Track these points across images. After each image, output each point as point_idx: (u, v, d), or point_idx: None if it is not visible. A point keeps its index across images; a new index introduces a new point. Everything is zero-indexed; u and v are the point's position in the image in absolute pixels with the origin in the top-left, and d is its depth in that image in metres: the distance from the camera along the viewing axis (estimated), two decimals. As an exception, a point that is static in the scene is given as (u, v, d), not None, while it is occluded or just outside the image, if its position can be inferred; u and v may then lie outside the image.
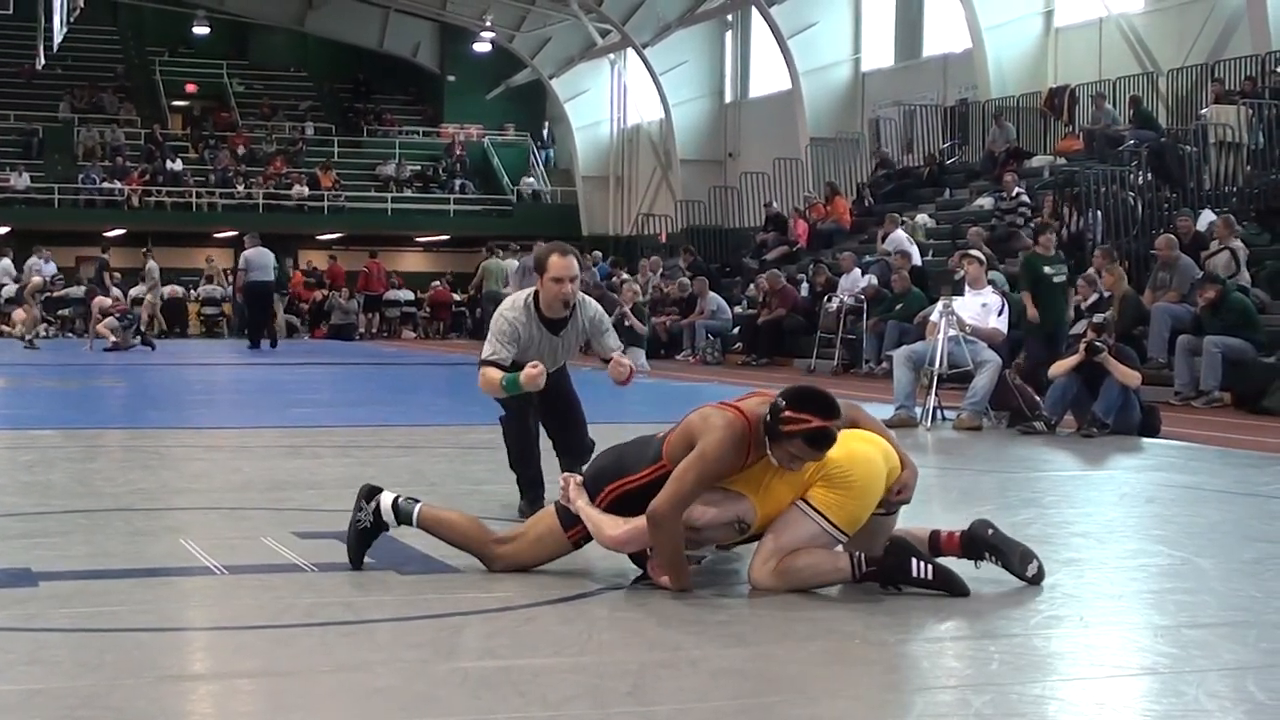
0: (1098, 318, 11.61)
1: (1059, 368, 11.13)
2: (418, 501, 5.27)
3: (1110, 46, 25.22)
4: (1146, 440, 10.56)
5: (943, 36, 28.93)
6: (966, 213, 23.07)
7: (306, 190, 38.87)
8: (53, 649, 4.05)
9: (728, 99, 36.11)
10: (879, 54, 30.94)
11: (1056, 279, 13.56)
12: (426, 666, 3.93)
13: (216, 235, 37.75)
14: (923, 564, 4.85)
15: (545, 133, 42.68)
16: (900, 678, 4.08)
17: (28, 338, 24.59)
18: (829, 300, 21.18)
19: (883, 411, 10.47)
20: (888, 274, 20.01)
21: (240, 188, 38.48)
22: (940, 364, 11.58)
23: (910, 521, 5.30)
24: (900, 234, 21.72)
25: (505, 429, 6.57)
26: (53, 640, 4.16)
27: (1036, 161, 23.78)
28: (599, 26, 36.52)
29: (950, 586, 4.81)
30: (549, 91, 40.32)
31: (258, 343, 25.33)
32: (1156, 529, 6.73)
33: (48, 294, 27.84)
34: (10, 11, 35.22)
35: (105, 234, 36.83)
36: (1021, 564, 5.03)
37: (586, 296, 6.62)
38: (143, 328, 25.90)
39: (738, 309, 24.05)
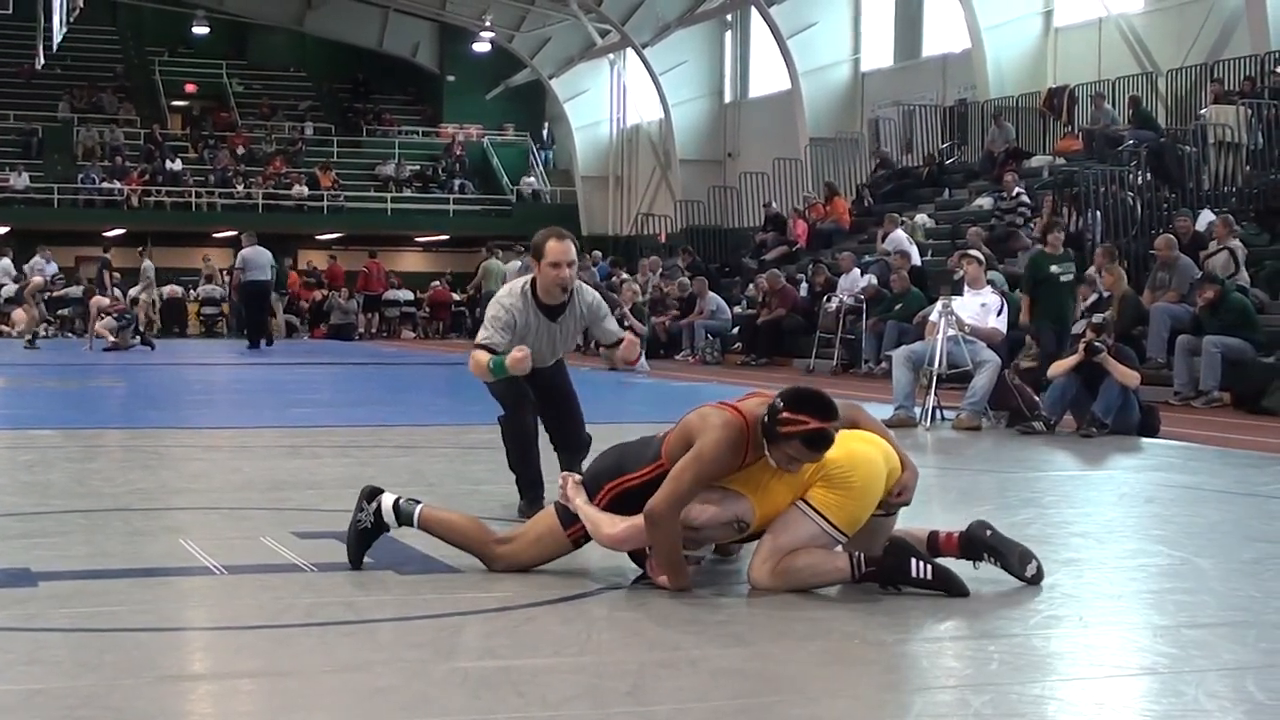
0: (1097, 318, 11.61)
1: (1058, 368, 11.13)
2: (418, 503, 5.27)
3: (1109, 46, 25.23)
4: (1146, 440, 10.56)
5: (942, 36, 28.94)
6: (966, 213, 23.08)
7: (306, 190, 38.88)
8: (52, 649, 4.05)
9: (727, 99, 36.12)
10: (878, 54, 30.95)
11: (1064, 278, 13.56)
12: (426, 666, 3.93)
13: (216, 235, 37.75)
14: (922, 564, 4.85)
15: (545, 134, 42.67)
16: (899, 678, 4.08)
17: (28, 337, 24.59)
18: (828, 300, 21.18)
19: (882, 411, 10.47)
20: (887, 274, 20.01)
21: (240, 188, 38.48)
22: (939, 364, 11.58)
23: (909, 522, 5.30)
24: (899, 234, 21.72)
25: (504, 429, 6.56)
26: (52, 640, 4.16)
27: (1036, 162, 23.78)
28: (598, 26, 36.53)
29: (949, 587, 4.81)
30: (548, 91, 40.33)
31: (257, 343, 25.34)
32: (1156, 529, 6.73)
33: (49, 294, 27.82)
34: (10, 11, 35.22)
35: (105, 234, 36.84)
36: (1020, 564, 5.03)
37: (584, 284, 6.60)
38: (141, 328, 25.89)
39: (737, 309, 24.05)
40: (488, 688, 3.72)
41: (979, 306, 12.16)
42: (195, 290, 33.63)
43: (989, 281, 13.35)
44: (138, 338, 24.63)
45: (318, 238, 39.92)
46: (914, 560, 4.85)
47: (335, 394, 15.56)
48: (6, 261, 30.62)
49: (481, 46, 39.24)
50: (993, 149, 24.72)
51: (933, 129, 27.85)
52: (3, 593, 4.74)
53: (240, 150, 40.35)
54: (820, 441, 4.73)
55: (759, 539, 4.95)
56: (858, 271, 21.21)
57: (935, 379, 11.66)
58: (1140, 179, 19.58)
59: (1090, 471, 9.15)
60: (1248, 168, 19.39)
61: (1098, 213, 18.95)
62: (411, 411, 13.14)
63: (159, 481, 7.84)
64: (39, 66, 38.48)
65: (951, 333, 11.61)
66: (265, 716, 3.59)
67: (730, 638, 4.35)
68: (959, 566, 4.97)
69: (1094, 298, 15.27)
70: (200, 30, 41.73)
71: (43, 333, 25.53)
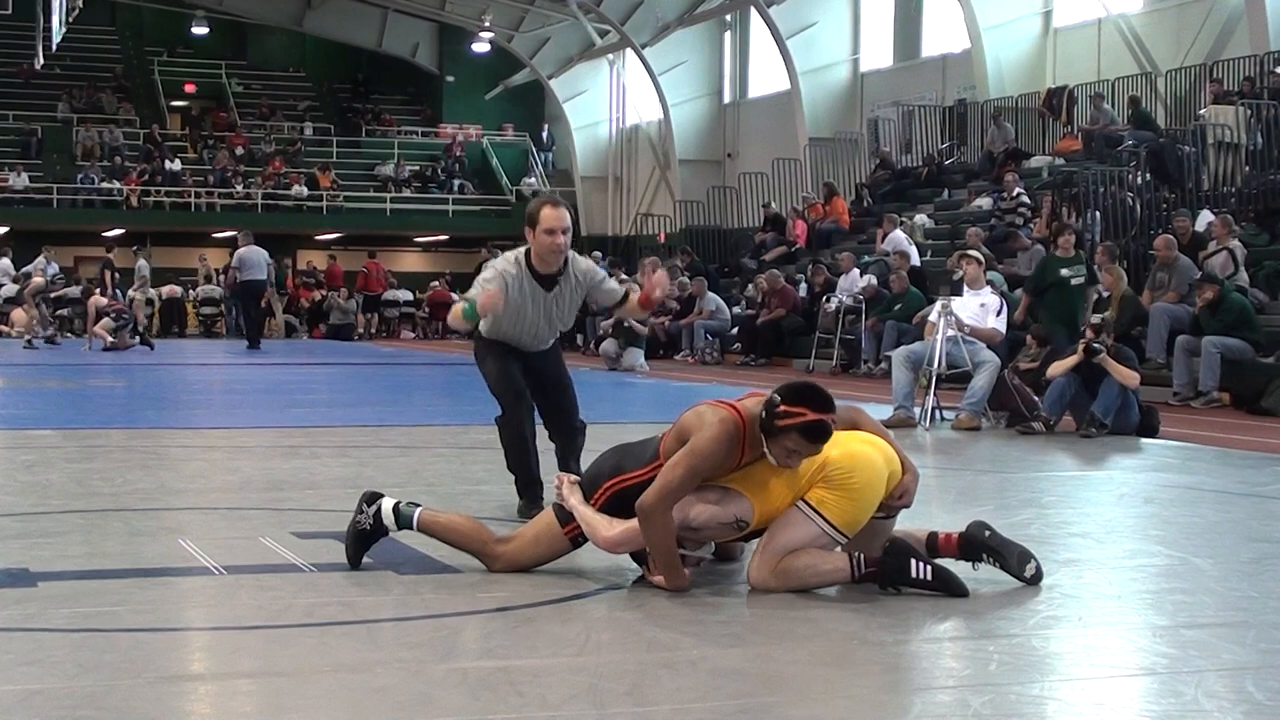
0: (1095, 318, 11.61)
1: (1057, 368, 11.13)
2: (417, 506, 5.27)
3: (1109, 47, 25.23)
4: (1145, 440, 10.56)
5: (941, 37, 28.94)
6: (965, 213, 23.08)
7: (305, 190, 38.87)
8: (51, 649, 4.05)
9: (726, 99, 36.11)
10: (878, 54, 30.95)
11: (1074, 280, 13.55)
12: (425, 666, 3.93)
13: (215, 235, 37.76)
14: (921, 565, 4.84)
15: (545, 135, 42.67)
16: (899, 678, 4.08)
17: (28, 337, 24.60)
18: (828, 300, 21.19)
19: (881, 412, 10.47)
20: (886, 274, 20.02)
21: (239, 188, 38.47)
22: (939, 364, 11.58)
23: (909, 522, 5.30)
24: (899, 234, 21.74)
25: (501, 430, 6.54)
26: (51, 640, 4.15)
27: (1035, 162, 23.79)
28: (598, 27, 36.52)
29: (949, 587, 4.81)
30: (548, 92, 40.32)
31: (257, 343, 25.35)
32: (1155, 529, 6.73)
33: (51, 294, 27.81)
34: (9, 11, 35.21)
35: (104, 234, 36.85)
36: (1019, 565, 5.03)
37: (576, 254, 6.56)
38: (141, 328, 25.89)
39: (736, 309, 24.05)
40: (487, 688, 3.72)
41: (978, 307, 12.16)
42: (194, 290, 33.61)
43: (988, 282, 13.35)
44: (137, 338, 24.64)
45: (317, 238, 39.90)
46: (914, 561, 4.85)
47: (334, 394, 15.56)
48: (6, 262, 30.62)
49: (481, 47, 39.23)
50: (992, 149, 24.73)
51: (932, 129, 27.86)
52: (2, 593, 4.74)
53: (239, 150, 40.35)
54: (818, 433, 4.73)
55: (759, 538, 4.95)
56: (857, 272, 21.22)
57: (934, 379, 11.66)
58: (1139, 179, 19.58)
59: (1090, 472, 9.15)
60: (1247, 168, 19.39)
61: (1097, 213, 18.95)
62: (410, 412, 13.14)
63: (158, 482, 7.84)
64: (38, 66, 38.50)
65: (951, 333, 11.61)
66: (264, 717, 3.59)
67: (730, 638, 4.35)
68: (958, 567, 4.97)
69: (1094, 298, 15.27)
70: (200, 30, 41.74)
71: (41, 332, 25.50)
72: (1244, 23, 22.23)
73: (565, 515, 5.09)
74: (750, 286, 24.34)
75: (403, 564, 5.27)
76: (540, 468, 6.52)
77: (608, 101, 39.97)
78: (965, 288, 12.65)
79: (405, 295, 34.86)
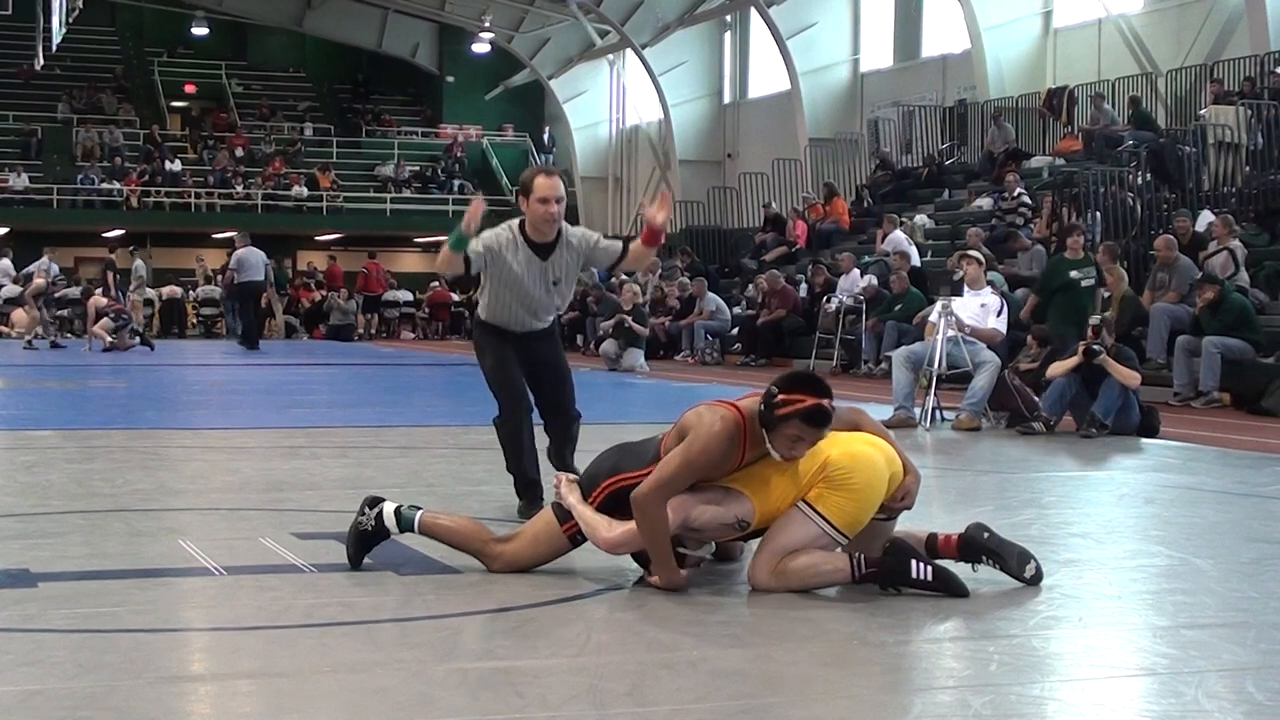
0: (1095, 319, 11.61)
1: (1057, 368, 11.13)
2: (419, 509, 5.28)
3: (1109, 47, 25.24)
4: (1145, 441, 10.56)
5: (942, 37, 28.95)
6: (965, 213, 23.08)
7: (305, 191, 38.89)
8: (51, 649, 4.05)
9: (726, 100, 36.13)
10: (878, 54, 30.96)
11: (1084, 283, 13.54)
12: (425, 667, 3.93)
13: (215, 236, 37.78)
14: (922, 565, 4.84)
15: (545, 137, 42.67)
16: (899, 678, 4.07)
17: (28, 338, 24.60)
18: (828, 301, 21.19)
19: (882, 412, 10.47)
20: (886, 274, 20.02)
21: (239, 188, 38.49)
22: (939, 364, 11.58)
23: (909, 522, 5.29)
24: (899, 234, 21.73)
25: (500, 431, 6.53)
26: (51, 641, 4.15)
27: (1035, 162, 23.79)
28: (598, 27, 36.53)
29: (949, 588, 4.81)
30: (548, 92, 40.33)
31: (256, 343, 25.36)
32: (1155, 530, 6.73)
33: (53, 294, 27.82)
34: (9, 11, 35.24)
35: (104, 235, 36.85)
36: (1019, 565, 5.03)
37: (568, 224, 6.52)
38: (140, 329, 25.87)
39: (736, 310, 24.05)
40: (487, 688, 3.72)
41: (979, 307, 12.16)
42: (194, 291, 33.62)
43: (989, 282, 13.35)
44: (138, 338, 24.64)
45: (317, 238, 39.92)
46: (914, 561, 4.85)
47: (334, 395, 15.56)
48: (6, 262, 30.63)
49: (481, 47, 39.25)
50: (992, 149, 24.73)
51: (932, 129, 27.86)
52: (2, 593, 4.74)
53: (239, 151, 40.36)
54: (819, 416, 4.75)
55: (760, 538, 4.95)
56: (857, 272, 21.22)
57: (935, 379, 11.65)
58: (1140, 179, 19.58)
59: (1090, 472, 9.14)
60: (1247, 168, 19.39)
61: (1097, 213, 18.95)
62: (410, 412, 13.14)
63: (158, 482, 7.84)
64: (38, 67, 38.51)
65: (951, 333, 11.60)
66: (264, 717, 3.59)
67: (730, 638, 4.35)
68: (958, 568, 4.97)
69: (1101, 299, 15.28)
70: (200, 31, 41.76)
71: (40, 333, 25.50)
72: (1244, 23, 22.24)
73: (564, 513, 5.09)
74: (750, 287, 24.34)
75: (403, 565, 5.27)
76: (540, 468, 6.51)
77: (608, 102, 39.99)
78: (965, 288, 12.64)
79: (405, 296, 34.86)
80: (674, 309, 24.44)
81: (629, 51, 36.51)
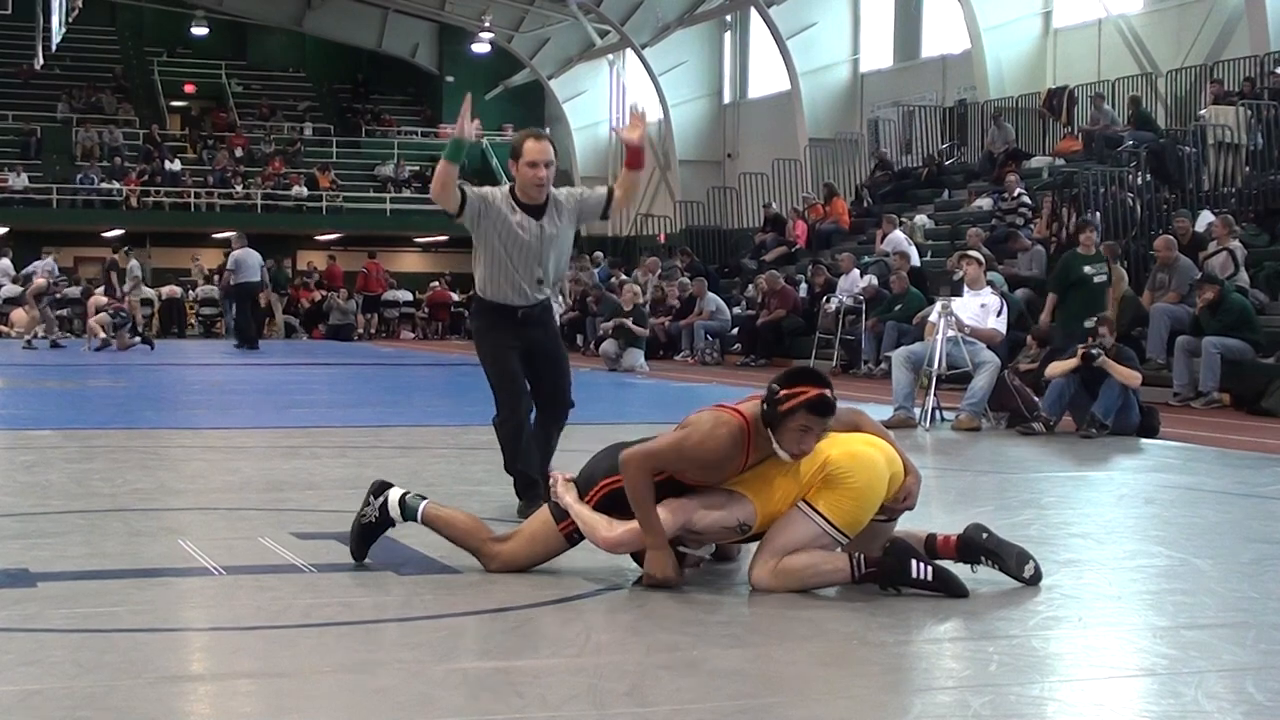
0: (1090, 321, 11.61)
1: (1056, 368, 11.12)
2: (424, 499, 5.28)
3: (1109, 47, 25.24)
4: (1145, 441, 10.56)
5: (941, 37, 28.95)
6: (965, 213, 23.09)
7: (305, 191, 38.88)
8: (51, 649, 4.04)
9: (726, 100, 36.12)
10: (878, 55, 30.96)
11: (1097, 279, 13.53)
12: (425, 667, 3.93)
13: (215, 236, 37.77)
14: (922, 565, 4.84)
15: (545, 142, 42.63)
16: (899, 678, 4.07)
17: (28, 338, 24.60)
18: (828, 301, 21.20)
19: (881, 412, 10.47)
20: (886, 275, 20.02)
21: (239, 188, 38.48)
22: (939, 365, 11.58)
23: (908, 522, 5.29)
24: (899, 235, 21.74)
25: (499, 431, 6.52)
26: (51, 641, 4.15)
27: (1035, 162, 23.79)
28: (598, 27, 36.53)
29: (949, 588, 4.81)
30: (548, 92, 40.32)
31: (256, 343, 25.37)
32: (1155, 530, 6.73)
33: (54, 295, 27.83)
34: (9, 11, 35.24)
35: (104, 234, 36.84)
36: (1018, 566, 5.03)
37: (555, 187, 6.48)
38: (140, 328, 25.87)
39: (736, 310, 24.06)
40: (487, 688, 3.72)
41: (978, 307, 12.16)
42: (194, 291, 33.62)
43: (989, 282, 13.35)
44: (138, 337, 24.63)
45: (317, 238, 39.91)
46: (914, 561, 4.85)
47: (334, 395, 15.56)
48: (6, 262, 30.63)
49: (481, 47, 39.25)
50: (992, 150, 24.74)
51: (932, 130, 27.87)
52: (2, 593, 4.74)
53: (239, 151, 40.35)
54: (823, 405, 4.78)
55: (760, 539, 4.95)
56: (857, 272, 21.22)
57: (935, 380, 11.65)
58: (1140, 179, 19.59)
59: (1090, 472, 9.14)
60: (1247, 168, 19.40)
61: (1097, 213, 18.95)
62: (410, 412, 13.14)
63: (157, 482, 7.84)
64: (38, 67, 38.50)
65: (951, 333, 11.61)
66: (264, 717, 3.59)
67: (730, 638, 4.35)
68: (958, 569, 4.96)
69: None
70: (199, 31, 41.74)
71: (40, 333, 25.49)
72: (1244, 23, 22.24)
73: (560, 512, 5.09)
74: (750, 287, 24.34)
75: (403, 565, 5.27)
76: (539, 468, 6.51)
77: (608, 102, 39.98)
78: (965, 288, 12.64)
79: (405, 296, 34.87)
80: (674, 309, 24.44)
81: (629, 51, 36.51)
